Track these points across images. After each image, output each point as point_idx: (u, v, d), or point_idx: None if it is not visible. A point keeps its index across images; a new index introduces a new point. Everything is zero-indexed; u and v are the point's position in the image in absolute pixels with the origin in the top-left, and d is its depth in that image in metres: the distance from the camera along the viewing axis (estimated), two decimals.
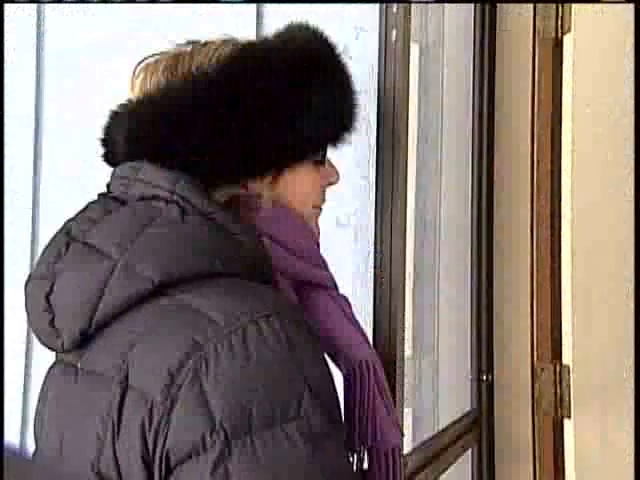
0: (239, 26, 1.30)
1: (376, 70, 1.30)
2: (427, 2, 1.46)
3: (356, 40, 1.33)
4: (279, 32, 0.87)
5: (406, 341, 1.34)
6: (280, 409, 0.68)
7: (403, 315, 1.28)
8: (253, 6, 1.33)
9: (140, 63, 0.87)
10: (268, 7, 1.33)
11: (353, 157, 1.36)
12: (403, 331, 1.27)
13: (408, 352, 1.48)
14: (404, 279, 1.29)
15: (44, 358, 0.85)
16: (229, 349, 0.69)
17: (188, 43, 0.86)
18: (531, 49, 1.67)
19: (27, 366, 1.38)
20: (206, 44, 0.85)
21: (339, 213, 1.38)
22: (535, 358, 1.73)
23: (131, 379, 0.72)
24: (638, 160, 1.53)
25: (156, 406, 0.69)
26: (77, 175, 1.36)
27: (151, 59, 0.86)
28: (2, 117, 0.94)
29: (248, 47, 0.84)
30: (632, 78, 1.51)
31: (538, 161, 1.66)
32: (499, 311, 1.71)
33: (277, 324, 0.71)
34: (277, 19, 1.30)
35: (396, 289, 1.26)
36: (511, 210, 1.68)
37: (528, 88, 1.64)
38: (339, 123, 0.87)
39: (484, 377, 1.69)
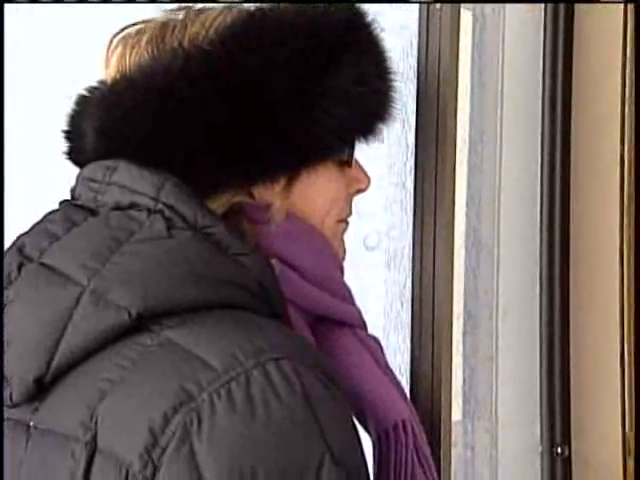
0: None
1: (416, 46, 1.32)
2: None
3: (390, 6, 1.35)
4: None
5: (454, 400, 1.35)
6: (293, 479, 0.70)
7: (450, 367, 1.29)
8: None
9: (117, 34, 0.90)
10: None
11: (385, 159, 1.38)
12: (450, 388, 1.28)
13: (457, 415, 1.49)
14: (451, 319, 1.30)
15: None
16: (228, 401, 0.71)
17: (180, 9, 0.89)
18: (622, 15, 1.68)
19: None
20: (203, 10, 0.88)
21: (367, 232, 1.40)
22: (627, 426, 1.72)
23: (100, 440, 0.74)
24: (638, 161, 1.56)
25: (133, 475, 0.71)
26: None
27: (132, 29, 0.90)
28: (2, 117, 1.01)
29: (256, 14, 0.87)
30: None
31: (631, 162, 1.66)
32: (578, 362, 1.71)
33: (290, 369, 0.73)
34: None
35: (441, 332, 1.27)
36: (593, 227, 1.68)
37: (617, 65, 1.65)
38: (371, 110, 0.90)
39: (559, 450, 1.68)
